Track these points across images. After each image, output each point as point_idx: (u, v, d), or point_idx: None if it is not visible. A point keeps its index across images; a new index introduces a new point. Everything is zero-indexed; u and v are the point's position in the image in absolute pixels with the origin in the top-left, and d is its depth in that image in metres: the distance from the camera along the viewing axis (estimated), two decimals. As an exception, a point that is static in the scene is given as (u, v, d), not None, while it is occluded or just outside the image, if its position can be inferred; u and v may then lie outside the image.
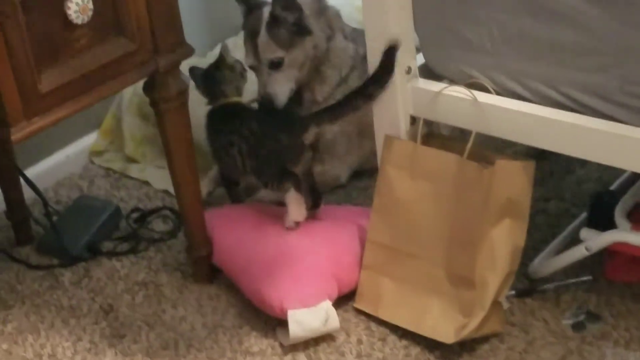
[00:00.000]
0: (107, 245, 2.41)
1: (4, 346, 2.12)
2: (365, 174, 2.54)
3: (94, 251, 2.38)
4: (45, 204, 2.35)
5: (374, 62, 2.04)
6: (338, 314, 2.06)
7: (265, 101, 2.35)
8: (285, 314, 2.01)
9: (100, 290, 2.26)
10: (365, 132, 2.36)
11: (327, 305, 2.04)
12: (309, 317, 2.01)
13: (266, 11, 2.33)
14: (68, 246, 2.34)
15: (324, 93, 2.45)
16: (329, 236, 2.17)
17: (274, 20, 2.31)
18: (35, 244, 2.42)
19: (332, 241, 2.16)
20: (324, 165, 2.48)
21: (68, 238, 2.36)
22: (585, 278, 2.11)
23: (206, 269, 2.24)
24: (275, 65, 2.33)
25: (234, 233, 2.21)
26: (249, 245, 2.17)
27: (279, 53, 2.33)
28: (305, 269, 2.08)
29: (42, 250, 2.40)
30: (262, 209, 2.31)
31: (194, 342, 2.08)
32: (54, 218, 2.39)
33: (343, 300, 2.13)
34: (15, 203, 2.41)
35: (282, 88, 2.35)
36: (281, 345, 2.05)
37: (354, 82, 2.38)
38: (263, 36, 2.32)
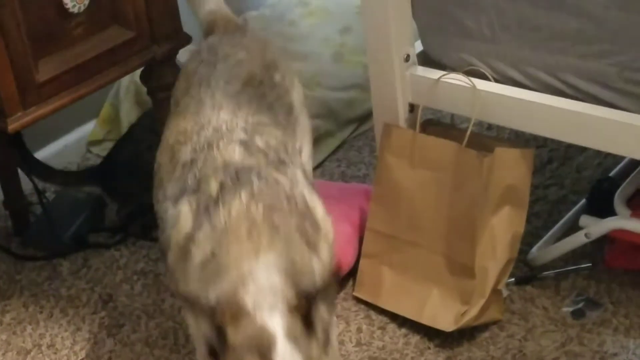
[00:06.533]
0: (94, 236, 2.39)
1: (3, 337, 2.12)
2: (364, 162, 2.54)
3: (80, 243, 2.37)
4: (39, 194, 2.33)
5: (371, 51, 2.04)
6: (337, 304, 2.06)
7: None
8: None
9: (99, 280, 2.26)
10: None
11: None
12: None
13: None
14: (55, 238, 2.33)
15: None
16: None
17: None
18: (23, 236, 2.42)
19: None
20: None
21: (55, 230, 2.34)
22: (584, 265, 2.10)
23: (205, 258, 2.24)
24: None
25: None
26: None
27: None
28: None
29: (29, 243, 2.39)
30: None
31: (193, 332, 2.08)
32: (39, 211, 2.38)
33: (343, 289, 2.12)
34: (13, 192, 2.40)
35: None
36: (280, 333, 2.04)
37: None
38: None
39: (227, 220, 1.41)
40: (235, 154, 1.52)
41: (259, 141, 1.56)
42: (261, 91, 1.68)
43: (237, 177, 1.47)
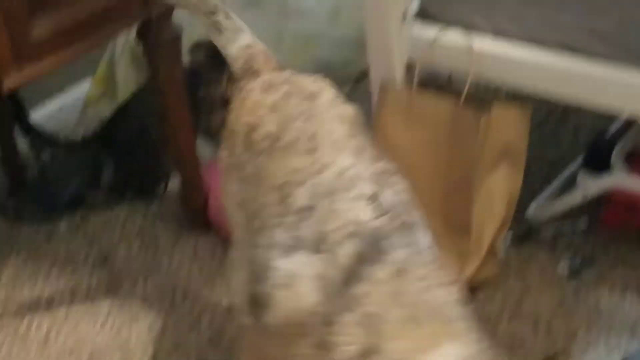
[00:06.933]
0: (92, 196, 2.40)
1: (1, 295, 2.12)
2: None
3: (78, 202, 2.36)
4: (35, 153, 2.33)
5: (368, 8, 2.02)
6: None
7: None
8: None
9: (97, 239, 2.26)
10: None
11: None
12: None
13: None
14: (52, 198, 2.34)
15: None
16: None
17: None
18: (20, 195, 2.41)
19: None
20: None
21: (52, 189, 2.35)
22: (581, 224, 2.11)
23: (202, 218, 2.24)
24: None
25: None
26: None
27: None
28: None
29: (26, 202, 2.38)
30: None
31: (190, 291, 2.08)
32: (36, 170, 2.38)
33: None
34: (9, 152, 2.40)
35: None
36: (277, 293, 2.05)
37: None
38: None
39: (379, 305, 1.19)
40: (365, 212, 1.30)
41: (390, 196, 1.34)
42: (367, 135, 1.47)
43: (374, 245, 1.25)
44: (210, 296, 2.06)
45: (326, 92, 1.53)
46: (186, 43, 2.28)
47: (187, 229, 2.26)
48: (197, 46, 2.35)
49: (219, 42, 1.66)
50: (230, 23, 1.66)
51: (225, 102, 2.35)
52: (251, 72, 1.62)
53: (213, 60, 2.31)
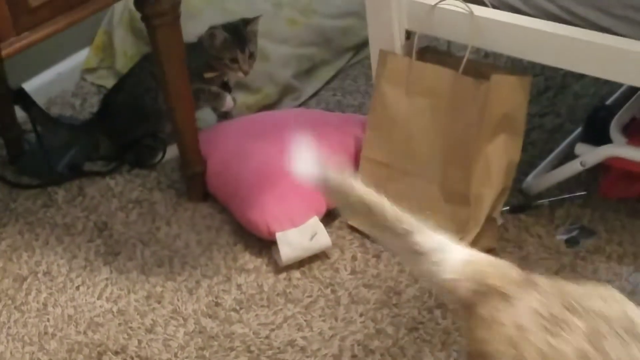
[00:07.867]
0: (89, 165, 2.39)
1: (-1, 264, 2.13)
2: (359, 91, 2.53)
3: (75, 171, 2.36)
4: (33, 122, 2.32)
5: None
6: (332, 232, 2.06)
7: None
8: (274, 237, 2.01)
9: (95, 208, 2.26)
10: None
11: (314, 221, 2.03)
12: (298, 236, 2.00)
13: None
14: (50, 167, 2.33)
15: None
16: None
17: None
18: (17, 164, 2.41)
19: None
20: None
21: (49, 158, 2.34)
22: (579, 193, 2.11)
23: (200, 186, 2.24)
24: None
25: (222, 156, 2.20)
26: (235, 168, 2.15)
27: None
28: (289, 188, 2.06)
29: (24, 171, 2.38)
30: (247, 123, 2.29)
31: (188, 260, 2.08)
32: (34, 139, 2.37)
33: (338, 217, 2.13)
34: (7, 121, 2.39)
35: None
36: (275, 261, 2.05)
37: None
38: None
39: None
40: None
41: None
42: None
43: None
44: (208, 264, 2.06)
45: (634, 310, 1.16)
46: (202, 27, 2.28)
47: (185, 198, 2.26)
48: (213, 30, 2.32)
49: (421, 266, 1.29)
50: (429, 238, 1.30)
51: (226, 85, 2.37)
52: (494, 294, 1.22)
53: (231, 42, 2.30)
